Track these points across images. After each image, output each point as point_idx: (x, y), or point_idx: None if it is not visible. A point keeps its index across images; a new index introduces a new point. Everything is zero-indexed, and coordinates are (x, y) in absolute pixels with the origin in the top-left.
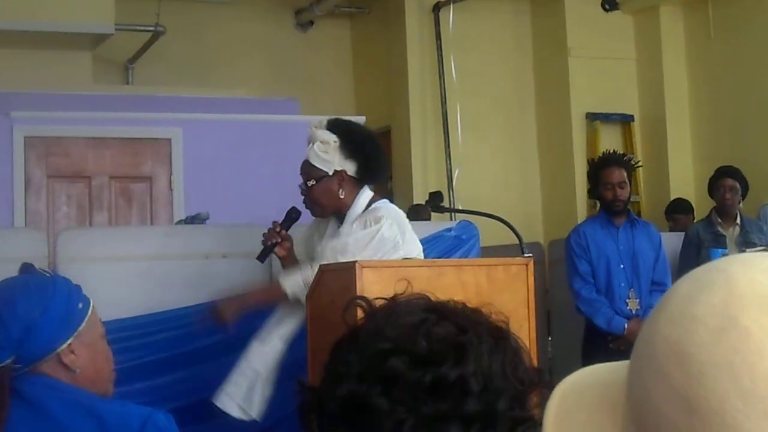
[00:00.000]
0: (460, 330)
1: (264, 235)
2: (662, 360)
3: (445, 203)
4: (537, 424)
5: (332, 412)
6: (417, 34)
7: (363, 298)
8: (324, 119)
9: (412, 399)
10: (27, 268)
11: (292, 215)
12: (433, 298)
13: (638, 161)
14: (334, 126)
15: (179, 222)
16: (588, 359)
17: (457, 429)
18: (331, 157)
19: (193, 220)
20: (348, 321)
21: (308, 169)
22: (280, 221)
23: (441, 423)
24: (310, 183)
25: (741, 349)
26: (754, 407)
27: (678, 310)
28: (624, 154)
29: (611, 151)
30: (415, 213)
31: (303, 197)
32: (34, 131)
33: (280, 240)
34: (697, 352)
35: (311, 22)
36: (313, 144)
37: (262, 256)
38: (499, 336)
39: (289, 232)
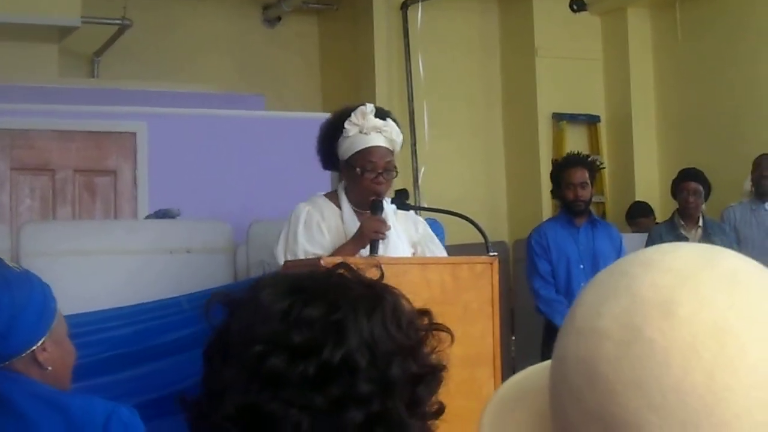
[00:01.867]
0: (332, 306)
1: (372, 230)
2: (574, 379)
3: (411, 201)
4: (437, 370)
5: (226, 430)
6: (385, 32)
7: (223, 292)
8: (371, 105)
9: (301, 396)
10: None
11: (379, 205)
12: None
13: (602, 163)
14: (389, 116)
15: (149, 216)
16: (547, 359)
17: (356, 411)
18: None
19: (164, 215)
20: (211, 322)
21: (392, 158)
22: (372, 212)
23: (338, 410)
24: (395, 173)
25: (647, 362)
26: (668, 420)
27: (584, 324)
28: (587, 156)
29: (575, 153)
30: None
31: (376, 184)
32: None
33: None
34: (605, 370)
35: (279, 18)
36: (392, 133)
37: (375, 250)
38: (373, 295)
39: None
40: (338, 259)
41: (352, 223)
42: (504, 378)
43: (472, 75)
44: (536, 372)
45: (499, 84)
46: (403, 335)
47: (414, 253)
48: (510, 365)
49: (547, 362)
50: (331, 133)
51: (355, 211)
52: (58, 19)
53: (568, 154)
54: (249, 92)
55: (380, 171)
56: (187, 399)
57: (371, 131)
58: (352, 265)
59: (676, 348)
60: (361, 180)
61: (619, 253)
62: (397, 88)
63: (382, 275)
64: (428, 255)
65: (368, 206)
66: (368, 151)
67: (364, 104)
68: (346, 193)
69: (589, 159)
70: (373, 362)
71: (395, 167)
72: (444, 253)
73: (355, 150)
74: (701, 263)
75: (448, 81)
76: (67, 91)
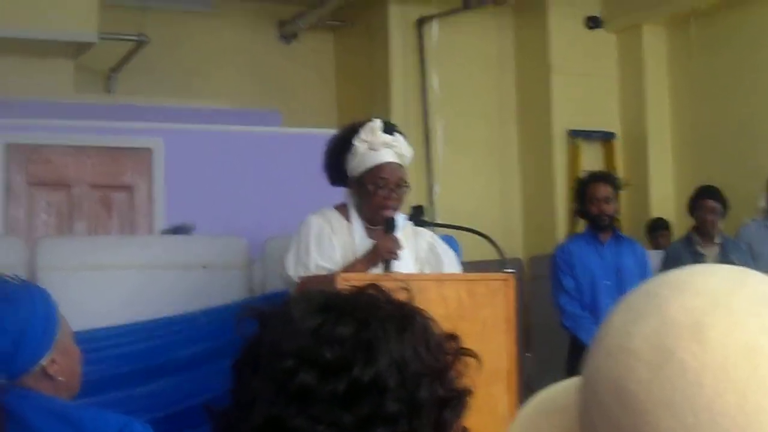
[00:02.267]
0: (363, 324)
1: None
2: (605, 398)
3: (426, 217)
4: (463, 394)
5: None
6: (400, 49)
7: (253, 306)
8: (379, 121)
9: (329, 413)
10: None
11: (392, 223)
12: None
13: (626, 182)
14: (397, 130)
15: (165, 231)
16: (573, 375)
17: (383, 430)
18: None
19: (178, 230)
20: (242, 334)
21: (403, 174)
22: (386, 231)
23: (366, 429)
24: (407, 188)
25: (679, 383)
26: None
27: (614, 343)
28: (611, 173)
29: (599, 171)
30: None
31: (388, 200)
32: (15, 138)
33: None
34: (636, 390)
35: (295, 35)
36: (401, 147)
37: (389, 268)
38: (404, 316)
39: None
40: (354, 275)
41: (362, 239)
42: (520, 395)
43: (487, 91)
44: (561, 390)
45: (514, 100)
46: (432, 358)
47: (421, 271)
48: (525, 382)
49: (571, 380)
50: (339, 150)
51: (366, 228)
52: (74, 35)
53: (592, 171)
54: (264, 108)
55: (392, 187)
56: (214, 409)
57: (381, 147)
58: (381, 285)
59: (708, 369)
60: (374, 197)
61: (644, 269)
62: (413, 104)
63: (412, 297)
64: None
65: (380, 222)
66: (380, 168)
67: (371, 120)
68: (357, 209)
69: (613, 176)
70: (402, 383)
71: (407, 182)
72: (457, 268)
73: (366, 167)
74: (732, 286)
75: (463, 97)
76: (83, 106)
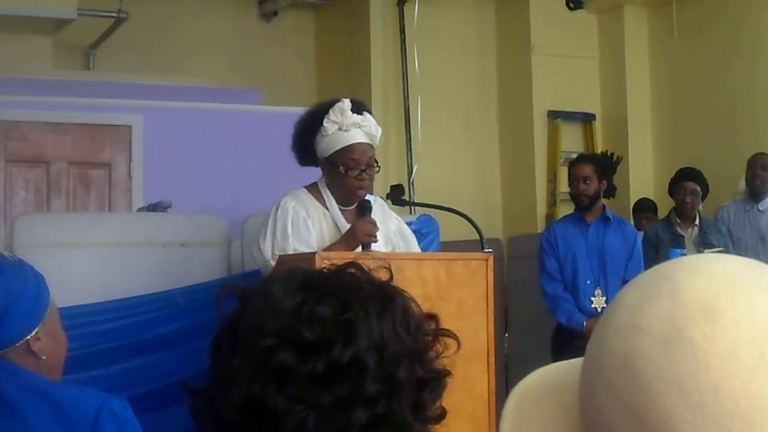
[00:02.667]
0: (344, 305)
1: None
2: (611, 373)
3: (406, 197)
4: (442, 375)
5: (230, 420)
6: (381, 28)
7: (233, 283)
8: (347, 101)
9: (308, 392)
10: None
11: (368, 206)
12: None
13: (619, 157)
14: (366, 109)
15: (141, 209)
16: (557, 355)
17: (361, 411)
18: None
19: (156, 207)
20: (221, 311)
21: (373, 153)
22: (361, 214)
23: (344, 409)
24: (378, 168)
25: (687, 362)
26: (703, 420)
27: (624, 321)
28: (596, 154)
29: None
30: None
31: (360, 181)
32: None
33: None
34: (644, 366)
35: (275, 13)
36: (371, 127)
37: (368, 250)
38: (384, 296)
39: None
40: (333, 254)
41: (338, 221)
42: (498, 375)
43: (467, 72)
44: (557, 369)
45: (494, 81)
46: (412, 339)
47: (392, 250)
48: (503, 362)
49: (567, 361)
50: (308, 131)
51: (339, 209)
52: (53, 11)
53: (580, 153)
54: (245, 86)
55: (363, 168)
56: (192, 387)
57: (351, 128)
58: (362, 265)
59: (717, 351)
60: (345, 178)
61: (632, 249)
62: (393, 84)
63: (392, 277)
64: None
65: (352, 202)
66: (350, 149)
67: (340, 99)
68: (329, 189)
69: (599, 155)
70: (381, 364)
71: (377, 162)
72: (418, 250)
73: (336, 148)
74: (745, 274)
75: (444, 77)
76: (62, 83)
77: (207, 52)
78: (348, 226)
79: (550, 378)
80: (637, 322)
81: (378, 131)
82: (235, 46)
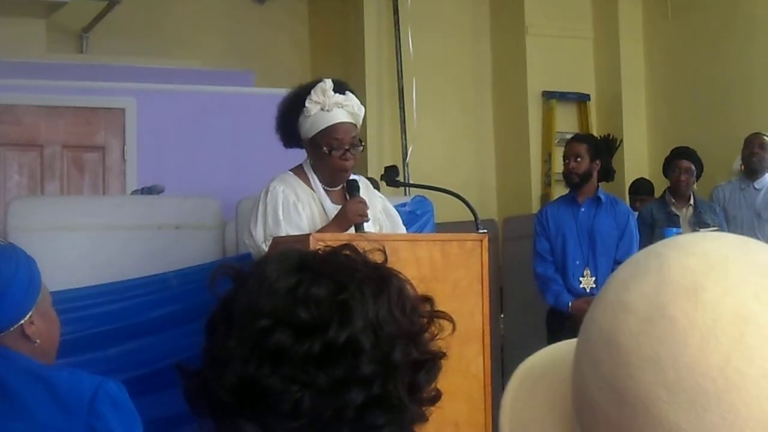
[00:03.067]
0: (340, 286)
1: (356, 214)
2: (596, 349)
3: (400, 178)
4: (438, 357)
5: (225, 401)
6: (375, 9)
7: (228, 264)
8: (329, 81)
9: (304, 373)
10: None
11: (356, 185)
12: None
13: (618, 140)
14: (348, 89)
15: (134, 192)
16: (551, 338)
17: (357, 392)
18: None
19: (149, 191)
20: (216, 293)
21: (357, 133)
22: (350, 195)
23: (340, 390)
24: (361, 147)
25: (666, 340)
26: (677, 397)
27: (612, 297)
28: (591, 134)
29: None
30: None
31: (344, 161)
32: None
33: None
34: (626, 342)
35: None
36: (353, 106)
37: (362, 231)
38: (380, 278)
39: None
40: (328, 236)
41: (326, 204)
42: (493, 356)
43: (462, 53)
44: (564, 347)
45: (489, 62)
46: (407, 320)
47: (380, 231)
48: (498, 343)
49: (567, 341)
50: (291, 112)
51: (325, 190)
52: None
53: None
54: (238, 69)
55: (347, 147)
56: (186, 369)
57: (333, 107)
58: (357, 246)
59: (697, 329)
60: (330, 158)
61: (623, 230)
62: (387, 65)
63: (386, 259)
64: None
65: (337, 183)
66: (333, 129)
67: (321, 80)
68: (314, 171)
69: (595, 136)
70: (377, 345)
71: (361, 141)
72: (403, 229)
73: (320, 128)
74: (735, 253)
75: (438, 59)
76: (55, 66)
77: (200, 35)
78: (334, 207)
79: (555, 355)
80: (623, 299)
81: (361, 110)
82: (228, 28)
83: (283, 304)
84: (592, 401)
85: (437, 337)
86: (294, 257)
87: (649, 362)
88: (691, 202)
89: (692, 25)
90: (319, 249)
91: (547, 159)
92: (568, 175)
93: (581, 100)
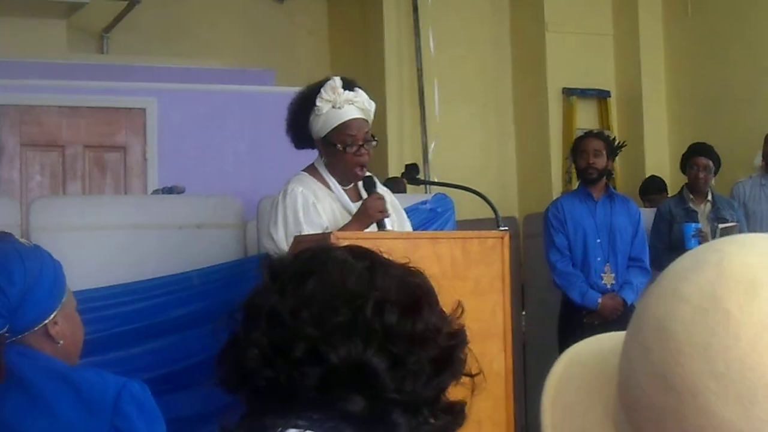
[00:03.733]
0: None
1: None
2: (646, 335)
3: (421, 176)
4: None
5: (333, 383)
6: (394, 7)
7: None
8: (338, 78)
9: (409, 353)
10: (5, 237)
11: (372, 181)
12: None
13: (622, 142)
14: (357, 85)
15: (155, 192)
16: (563, 333)
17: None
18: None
19: (170, 191)
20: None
21: (369, 128)
22: (368, 191)
23: (436, 370)
24: (375, 142)
25: (719, 331)
26: (725, 390)
27: (669, 286)
28: (604, 131)
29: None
30: (391, 185)
31: (359, 157)
32: (8, 99)
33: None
34: (678, 330)
35: None
36: (364, 102)
37: (383, 229)
38: (419, 283)
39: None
40: (349, 233)
41: (346, 201)
42: (515, 353)
43: (482, 49)
44: (614, 335)
45: (509, 59)
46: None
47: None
48: (520, 340)
49: (618, 332)
50: (302, 112)
51: (342, 188)
52: None
53: (587, 131)
54: (258, 68)
55: (361, 143)
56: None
57: (344, 104)
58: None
59: (751, 324)
60: (344, 156)
61: (636, 227)
62: (407, 62)
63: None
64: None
65: (352, 180)
66: (346, 126)
67: (330, 78)
68: (328, 170)
69: (607, 133)
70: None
71: (374, 137)
72: (408, 223)
73: (332, 126)
74: None
75: (458, 55)
76: (76, 67)
77: (220, 34)
78: (352, 204)
79: (604, 342)
80: (679, 288)
81: (372, 105)
82: (248, 27)
83: (381, 286)
84: (639, 387)
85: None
86: (350, 248)
87: (699, 351)
88: (709, 198)
89: (712, 21)
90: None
91: (567, 156)
92: (586, 170)
93: (602, 96)
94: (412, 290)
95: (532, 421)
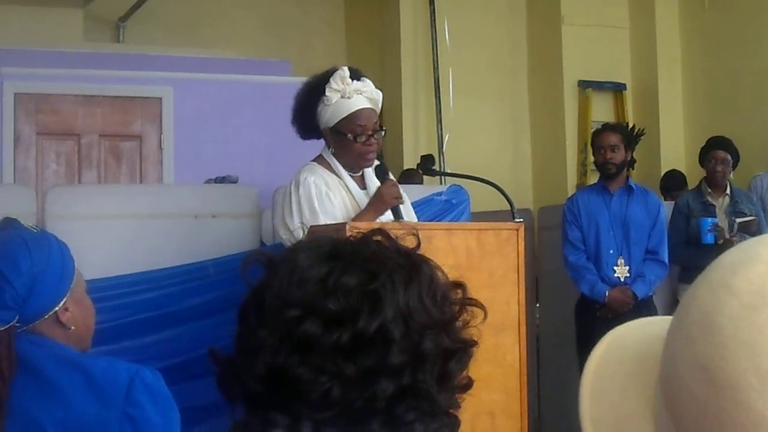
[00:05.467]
0: (370, 275)
1: (392, 197)
2: (692, 326)
3: (436, 167)
4: (469, 345)
5: (255, 390)
6: None
7: (260, 251)
8: (346, 68)
9: (333, 364)
10: (10, 223)
11: (384, 169)
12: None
13: (641, 129)
14: (364, 75)
15: (208, 181)
16: (580, 326)
17: (387, 382)
18: None
19: (223, 181)
20: (248, 280)
21: (377, 118)
22: (381, 179)
23: (370, 380)
24: (383, 132)
25: (766, 329)
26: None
27: (718, 279)
28: (621, 123)
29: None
30: (407, 176)
31: (368, 146)
32: (24, 88)
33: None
34: (725, 324)
35: None
36: (372, 92)
37: (398, 215)
38: (411, 266)
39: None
40: (363, 224)
41: (355, 189)
42: (529, 345)
43: (497, 42)
44: (659, 321)
45: (525, 51)
46: (438, 309)
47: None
48: (534, 332)
49: (662, 318)
50: (310, 102)
51: (350, 176)
52: None
53: (604, 123)
54: (274, 58)
55: (370, 133)
56: (218, 355)
57: (353, 94)
58: (388, 232)
59: None
60: (354, 145)
61: (655, 219)
62: (423, 54)
63: (419, 244)
64: None
65: (360, 169)
66: (355, 115)
67: (338, 68)
68: (337, 159)
69: (624, 125)
70: (407, 334)
71: (383, 126)
72: (414, 218)
73: (342, 116)
74: None
75: (474, 48)
76: (92, 56)
77: (236, 24)
78: (362, 192)
79: (648, 328)
80: (729, 282)
81: (379, 95)
82: (264, 17)
83: (313, 294)
84: (681, 378)
85: (469, 324)
86: (325, 245)
87: (745, 347)
88: (728, 191)
89: (729, 14)
90: (351, 236)
91: (583, 149)
92: (604, 165)
93: (617, 89)
94: (360, 299)
95: (546, 412)
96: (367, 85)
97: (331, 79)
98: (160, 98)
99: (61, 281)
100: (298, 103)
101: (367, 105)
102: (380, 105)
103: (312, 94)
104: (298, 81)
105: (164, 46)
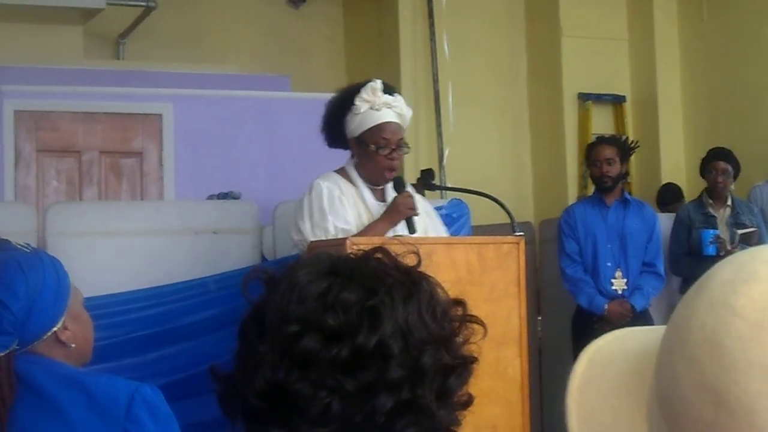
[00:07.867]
0: (369, 291)
1: (406, 207)
2: (695, 348)
3: (436, 181)
4: (469, 362)
5: (255, 406)
6: (410, 12)
7: (261, 268)
8: (379, 81)
9: (332, 379)
10: (2, 245)
11: (401, 181)
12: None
13: (635, 141)
14: (396, 91)
15: (210, 197)
16: (576, 339)
17: (386, 398)
18: None
19: (225, 197)
20: (249, 297)
21: (403, 134)
22: (398, 190)
23: (369, 395)
24: (407, 149)
25: None
26: None
27: (718, 298)
28: (619, 136)
29: (607, 135)
30: None
31: (390, 160)
32: (24, 105)
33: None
34: (732, 346)
35: None
36: (402, 108)
37: (412, 227)
38: (410, 283)
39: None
40: (362, 239)
41: (371, 200)
42: (531, 359)
43: (497, 54)
44: (634, 334)
45: (524, 64)
46: (438, 325)
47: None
48: (536, 346)
49: (645, 327)
50: (339, 110)
51: (369, 188)
52: (83, 0)
53: (599, 135)
54: (274, 73)
55: (393, 147)
56: (219, 371)
57: (382, 107)
58: (389, 250)
59: None
60: (375, 156)
61: (651, 232)
62: (422, 67)
63: (420, 262)
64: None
65: (380, 183)
66: (380, 128)
67: (372, 80)
68: (358, 171)
69: (619, 137)
70: (406, 350)
71: (407, 143)
72: (441, 229)
73: (367, 126)
74: None
75: (473, 60)
76: (92, 72)
77: (236, 39)
78: (378, 204)
79: (626, 342)
80: (730, 302)
81: (408, 112)
82: (263, 32)
83: (312, 310)
84: (685, 399)
85: (470, 341)
86: (325, 262)
87: (756, 369)
88: (729, 202)
89: (728, 26)
90: (351, 253)
91: (583, 161)
92: (601, 179)
93: (617, 101)
94: (359, 315)
95: (548, 426)
96: (397, 101)
97: (362, 90)
98: (161, 114)
99: (58, 300)
100: (329, 110)
101: (394, 119)
102: (408, 122)
103: (343, 102)
104: (298, 96)
105: (164, 62)
